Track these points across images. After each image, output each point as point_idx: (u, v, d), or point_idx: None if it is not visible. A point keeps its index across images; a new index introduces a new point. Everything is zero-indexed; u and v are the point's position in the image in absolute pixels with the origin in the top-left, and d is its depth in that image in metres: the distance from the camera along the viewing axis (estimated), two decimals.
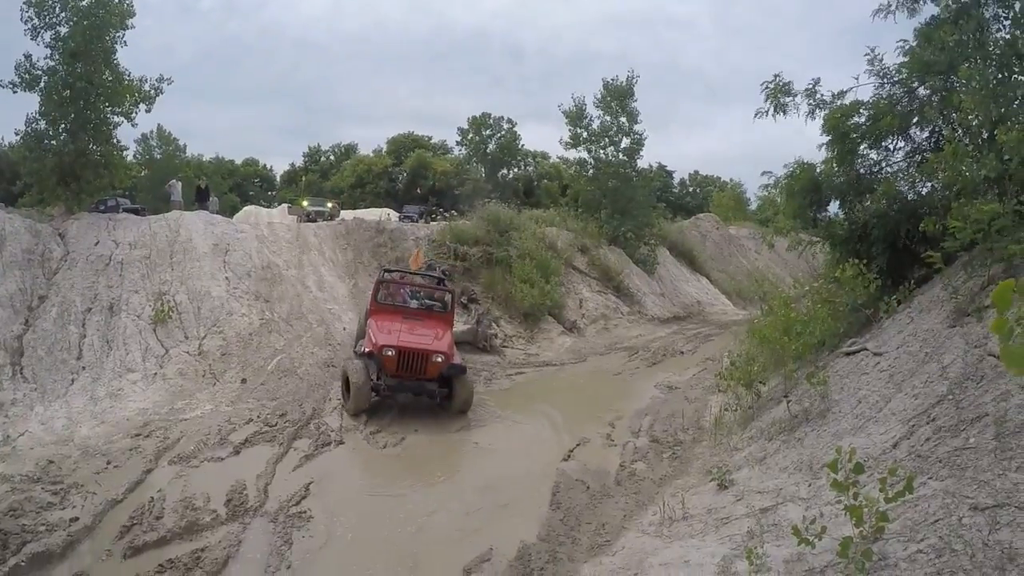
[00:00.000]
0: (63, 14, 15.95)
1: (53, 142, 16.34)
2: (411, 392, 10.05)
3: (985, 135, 7.25)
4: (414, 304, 12.00)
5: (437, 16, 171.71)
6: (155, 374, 11.05)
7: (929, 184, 8.60)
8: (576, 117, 28.43)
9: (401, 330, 10.34)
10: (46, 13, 15.87)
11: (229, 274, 14.77)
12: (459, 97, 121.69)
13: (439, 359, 9.85)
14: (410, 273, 14.09)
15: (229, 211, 32.47)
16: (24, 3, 15.73)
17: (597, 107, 28.57)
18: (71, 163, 16.20)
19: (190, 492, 6.87)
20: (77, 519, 6.21)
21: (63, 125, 16.31)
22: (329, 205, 33.35)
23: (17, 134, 16.68)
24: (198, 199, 23.30)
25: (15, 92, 15.86)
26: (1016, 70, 7.59)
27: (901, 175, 9.20)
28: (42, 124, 16.28)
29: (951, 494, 3.56)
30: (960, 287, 6.57)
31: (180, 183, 24.31)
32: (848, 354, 7.95)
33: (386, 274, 12.68)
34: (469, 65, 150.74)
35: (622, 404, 11.41)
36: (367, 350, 10.03)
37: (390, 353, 9.64)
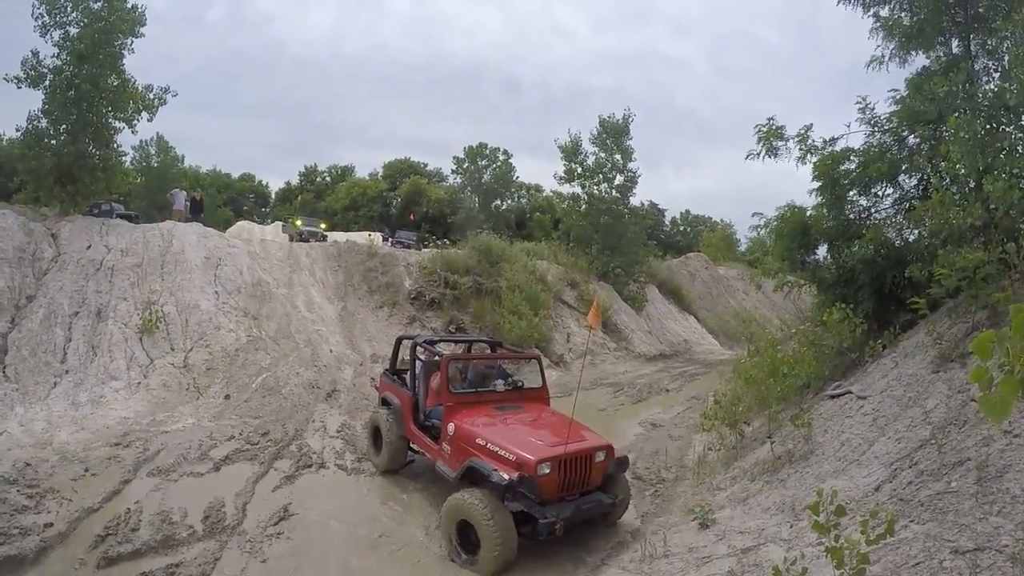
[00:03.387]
0: (74, 14, 15.99)
1: (53, 142, 16.27)
2: (588, 517, 6.66)
3: (972, 184, 7.41)
4: (500, 386, 8.17)
5: (436, 43, 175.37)
6: (139, 384, 10.95)
7: (916, 231, 8.77)
8: (571, 152, 28.71)
9: (527, 428, 7.08)
10: (57, 12, 15.89)
11: (219, 288, 14.72)
12: (455, 125, 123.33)
13: (602, 457, 6.71)
14: (439, 340, 10.42)
15: (222, 225, 32.41)
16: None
17: (593, 143, 28.92)
18: (69, 164, 16.14)
19: (167, 506, 6.77)
20: (51, 525, 6.12)
21: (64, 126, 16.26)
22: (322, 226, 33.59)
23: (18, 130, 16.63)
24: (192, 211, 23.31)
25: (19, 88, 15.82)
26: (1004, 121, 7.78)
27: (889, 222, 9.37)
28: (43, 123, 16.23)
29: (932, 537, 3.59)
30: (944, 333, 6.69)
31: (184, 193, 24.28)
32: (833, 397, 8.01)
33: (425, 346, 8.88)
34: (466, 94, 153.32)
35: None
36: (511, 477, 6.00)
37: (548, 470, 6.15)
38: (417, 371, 8.53)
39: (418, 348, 8.73)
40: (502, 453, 6.33)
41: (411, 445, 8.42)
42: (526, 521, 6.17)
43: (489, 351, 9.69)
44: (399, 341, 9.81)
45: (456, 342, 11.20)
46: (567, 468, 6.31)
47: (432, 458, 7.64)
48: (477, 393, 7.83)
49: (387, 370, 9.64)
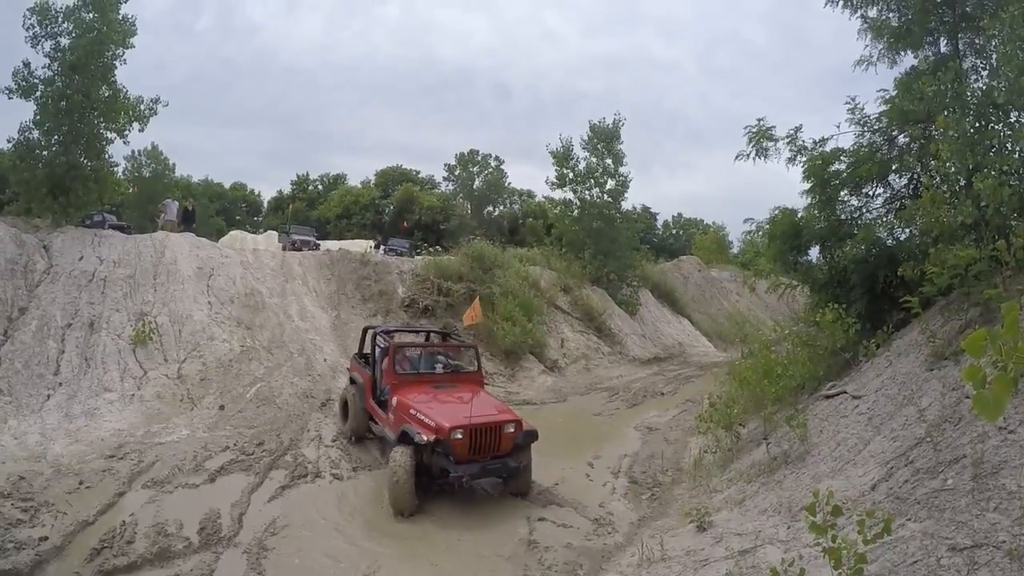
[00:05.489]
0: (66, 25, 15.98)
1: (45, 153, 16.24)
2: (493, 476, 8.21)
3: (962, 182, 7.48)
4: (440, 368, 9.92)
5: (425, 50, 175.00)
6: (132, 395, 10.89)
7: (907, 230, 8.83)
8: (563, 158, 28.76)
9: (452, 403, 8.55)
10: (48, 23, 15.89)
11: (212, 299, 14.67)
12: (446, 131, 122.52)
13: (511, 429, 8.08)
14: (395, 330, 12.00)
15: (215, 235, 32.35)
16: (27, 10, 15.78)
17: (584, 148, 29.00)
18: (61, 175, 16.10)
19: (163, 518, 6.75)
20: (46, 538, 6.08)
21: (56, 136, 16.23)
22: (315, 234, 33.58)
23: (9, 141, 16.59)
24: (183, 221, 23.26)
25: (10, 98, 15.79)
26: (992, 119, 7.82)
27: (880, 221, 9.41)
28: (35, 134, 16.21)
29: (929, 535, 3.60)
30: (937, 331, 6.73)
31: (176, 203, 24.29)
32: (827, 397, 8.03)
33: (383, 335, 10.50)
34: (457, 100, 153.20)
35: (601, 444, 11.33)
36: (429, 439, 7.60)
37: (460, 435, 7.61)
38: (377, 355, 10.12)
39: (378, 337, 10.40)
40: (427, 420, 7.88)
41: (372, 417, 9.91)
42: (446, 476, 7.63)
43: (441, 340, 11.85)
44: (365, 331, 11.54)
45: (412, 332, 13.07)
46: (477, 435, 7.76)
47: (383, 426, 9.22)
48: (418, 374, 9.58)
49: (356, 354, 11.43)
